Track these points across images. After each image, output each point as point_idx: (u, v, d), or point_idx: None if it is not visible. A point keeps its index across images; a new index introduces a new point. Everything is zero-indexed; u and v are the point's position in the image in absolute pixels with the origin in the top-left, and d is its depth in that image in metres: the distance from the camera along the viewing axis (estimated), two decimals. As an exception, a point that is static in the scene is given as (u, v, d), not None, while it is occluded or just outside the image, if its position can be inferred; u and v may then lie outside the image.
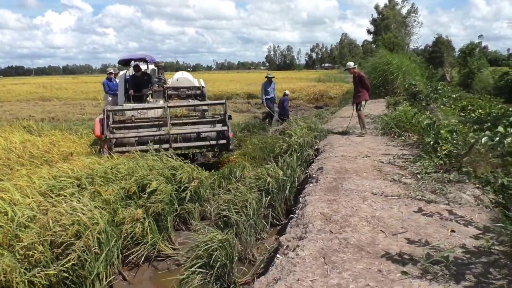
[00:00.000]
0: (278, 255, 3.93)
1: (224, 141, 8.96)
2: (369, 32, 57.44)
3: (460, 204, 4.43)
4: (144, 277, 4.91)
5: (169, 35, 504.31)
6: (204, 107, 10.29)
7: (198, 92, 10.94)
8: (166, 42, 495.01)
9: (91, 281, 4.15)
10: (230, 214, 5.39)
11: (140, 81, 10.60)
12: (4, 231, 4.04)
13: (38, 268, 3.87)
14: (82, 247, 4.12)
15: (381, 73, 18.24)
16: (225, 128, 8.82)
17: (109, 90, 11.99)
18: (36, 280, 3.83)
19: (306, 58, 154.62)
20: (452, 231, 3.72)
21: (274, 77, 14.04)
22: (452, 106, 13.73)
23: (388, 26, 52.12)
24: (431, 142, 6.43)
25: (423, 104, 13.27)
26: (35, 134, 9.91)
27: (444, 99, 14.57)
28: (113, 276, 4.64)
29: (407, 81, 16.44)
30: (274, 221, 6.18)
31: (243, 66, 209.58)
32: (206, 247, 4.17)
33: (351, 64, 9.45)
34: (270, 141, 9.75)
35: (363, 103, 9.12)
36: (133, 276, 4.90)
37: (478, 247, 3.35)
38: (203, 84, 11.33)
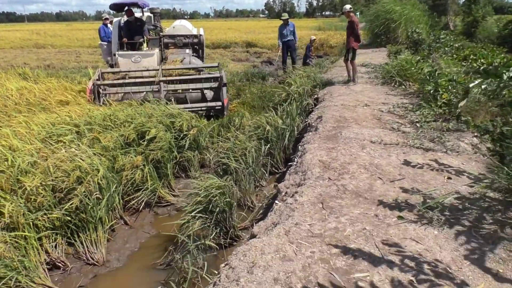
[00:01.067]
0: (276, 201, 4.00)
1: (219, 106, 8.67)
2: (372, -23, 55.32)
3: (457, 152, 4.47)
4: (145, 222, 5.03)
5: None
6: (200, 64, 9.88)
7: (196, 40, 10.64)
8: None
9: (94, 225, 4.26)
10: (229, 162, 5.41)
11: (133, 27, 10.11)
12: (6, 176, 4.08)
13: (41, 212, 3.95)
14: (84, 192, 4.19)
15: (383, 22, 17.65)
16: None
17: (105, 36, 11.74)
18: (40, 223, 3.93)
19: (307, 6, 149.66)
20: (449, 178, 3.77)
21: (288, 18, 12.94)
22: (454, 55, 13.47)
23: (392, -29, 50.04)
24: (431, 91, 6.38)
25: (425, 53, 13.02)
26: (31, 82, 9.74)
27: (447, 49, 14.28)
28: (115, 221, 4.75)
29: (409, 29, 15.96)
30: (273, 169, 6.26)
31: (242, 14, 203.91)
32: (206, 193, 4.23)
33: (347, 6, 9.00)
34: (269, 90, 9.65)
35: (350, 50, 8.80)
36: (134, 220, 5.02)
37: (473, 194, 3.41)
38: (202, 33, 10.97)
